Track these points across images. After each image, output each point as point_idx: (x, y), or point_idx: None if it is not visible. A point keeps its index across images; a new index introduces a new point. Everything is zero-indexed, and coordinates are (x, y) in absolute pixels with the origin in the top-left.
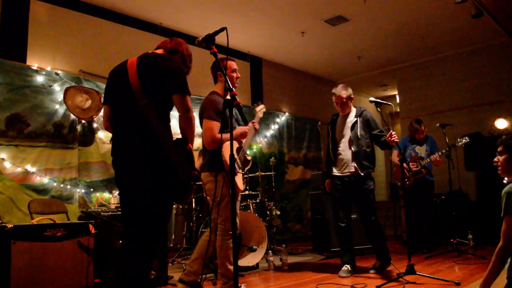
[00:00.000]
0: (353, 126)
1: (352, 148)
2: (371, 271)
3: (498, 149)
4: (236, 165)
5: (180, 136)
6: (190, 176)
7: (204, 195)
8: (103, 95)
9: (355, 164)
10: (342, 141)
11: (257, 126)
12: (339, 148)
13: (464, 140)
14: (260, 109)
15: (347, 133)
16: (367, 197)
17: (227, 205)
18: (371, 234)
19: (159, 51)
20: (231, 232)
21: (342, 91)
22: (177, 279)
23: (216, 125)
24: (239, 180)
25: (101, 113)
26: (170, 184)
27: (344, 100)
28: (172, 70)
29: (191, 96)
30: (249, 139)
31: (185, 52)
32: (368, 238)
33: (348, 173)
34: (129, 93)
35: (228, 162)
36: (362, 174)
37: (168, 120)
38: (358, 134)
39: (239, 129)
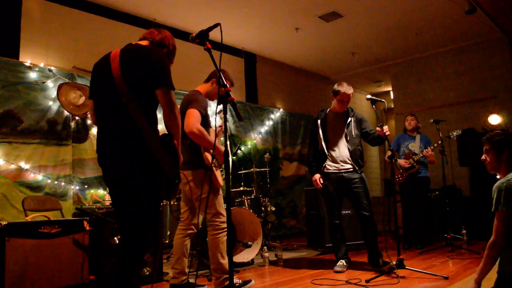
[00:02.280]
0: (348, 125)
1: (349, 147)
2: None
3: (484, 147)
4: (215, 161)
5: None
6: (175, 174)
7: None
8: None
9: (352, 162)
10: (336, 138)
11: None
12: (334, 145)
13: (455, 133)
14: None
15: (342, 130)
16: (365, 190)
17: (212, 201)
18: (368, 228)
19: (144, 42)
20: (222, 227)
21: (350, 90)
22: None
23: (199, 117)
24: (219, 176)
25: None
26: (155, 182)
27: (350, 98)
28: (155, 63)
29: (185, 92)
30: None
31: (171, 48)
32: (363, 233)
33: (344, 170)
34: (112, 88)
35: (210, 158)
36: (360, 172)
37: (154, 116)
38: (353, 133)
39: (217, 145)
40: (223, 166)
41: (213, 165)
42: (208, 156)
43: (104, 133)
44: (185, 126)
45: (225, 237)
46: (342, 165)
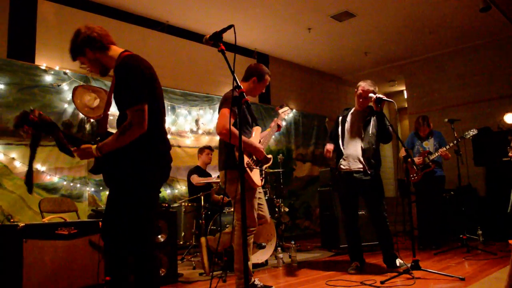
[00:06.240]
0: (367, 123)
1: (363, 145)
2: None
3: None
4: (251, 161)
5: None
6: None
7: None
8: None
9: (364, 161)
10: (352, 136)
11: (280, 123)
12: (348, 143)
13: (472, 133)
14: (283, 111)
15: (360, 129)
16: (378, 192)
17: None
18: (382, 229)
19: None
20: (251, 228)
21: (369, 86)
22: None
23: (229, 117)
24: (255, 176)
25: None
26: None
27: (369, 94)
28: None
29: (199, 93)
30: (268, 138)
31: None
32: (378, 234)
33: (356, 169)
34: (163, 96)
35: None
36: (369, 172)
37: None
38: (370, 132)
39: (251, 143)
40: (264, 165)
41: (248, 165)
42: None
43: (165, 138)
44: (216, 127)
45: (252, 240)
46: (353, 164)
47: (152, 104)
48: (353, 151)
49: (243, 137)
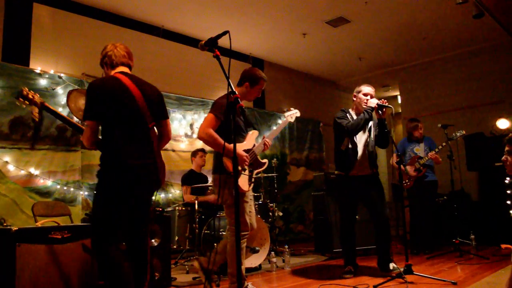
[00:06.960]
0: (370, 128)
1: (368, 150)
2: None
3: (506, 148)
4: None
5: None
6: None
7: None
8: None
9: (370, 165)
10: (359, 141)
11: (269, 142)
12: (354, 147)
13: (459, 133)
14: (290, 114)
15: (364, 133)
16: (382, 195)
17: (231, 207)
18: (384, 232)
19: (127, 70)
20: (243, 233)
21: (371, 89)
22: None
23: (214, 121)
24: (241, 181)
25: None
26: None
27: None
28: (163, 98)
29: (193, 98)
30: (260, 148)
31: None
32: (378, 237)
33: (363, 174)
34: (137, 114)
35: (228, 164)
36: (376, 175)
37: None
38: (372, 136)
39: (238, 151)
40: (257, 170)
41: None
42: (226, 161)
43: (136, 155)
44: (198, 131)
45: (244, 244)
46: (361, 168)
47: (107, 122)
48: (360, 156)
49: (226, 144)
